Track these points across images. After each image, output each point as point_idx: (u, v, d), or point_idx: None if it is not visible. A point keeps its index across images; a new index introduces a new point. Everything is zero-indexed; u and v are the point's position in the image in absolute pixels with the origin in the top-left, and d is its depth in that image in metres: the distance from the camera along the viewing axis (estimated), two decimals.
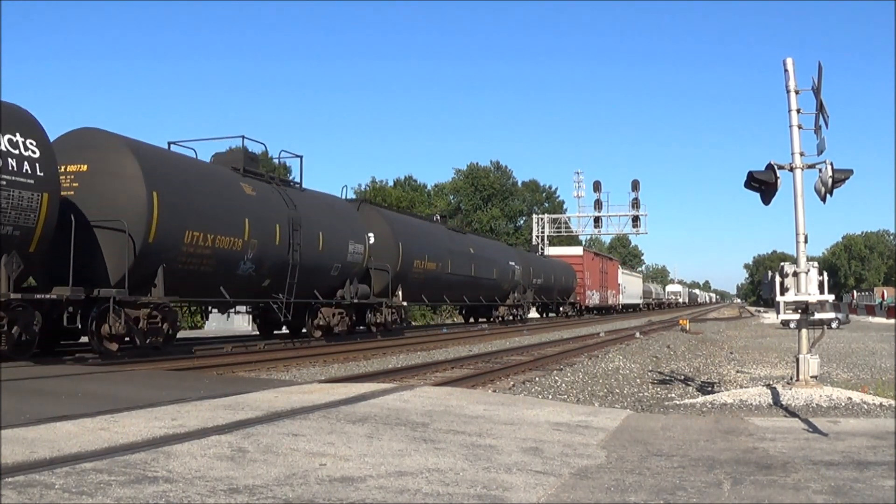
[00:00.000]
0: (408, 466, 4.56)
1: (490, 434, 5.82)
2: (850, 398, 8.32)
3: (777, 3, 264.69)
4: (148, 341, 12.73)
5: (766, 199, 9.16)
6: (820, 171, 8.85)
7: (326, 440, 5.30)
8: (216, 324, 25.79)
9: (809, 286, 8.79)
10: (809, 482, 4.40)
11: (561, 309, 45.98)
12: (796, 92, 9.15)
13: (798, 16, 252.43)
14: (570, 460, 4.94)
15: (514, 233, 69.09)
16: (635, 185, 54.09)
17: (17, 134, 10.72)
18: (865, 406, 8.05)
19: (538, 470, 4.61)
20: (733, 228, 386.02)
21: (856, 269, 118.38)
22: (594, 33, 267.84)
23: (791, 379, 9.12)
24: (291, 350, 15.74)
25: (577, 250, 50.84)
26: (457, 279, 26.83)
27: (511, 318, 33.54)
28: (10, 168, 10.51)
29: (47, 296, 11.27)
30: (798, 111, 9.08)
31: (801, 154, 9.01)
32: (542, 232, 56.89)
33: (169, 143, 15.64)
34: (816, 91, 8.86)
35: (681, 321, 34.79)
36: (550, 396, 9.93)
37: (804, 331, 8.95)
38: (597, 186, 54.23)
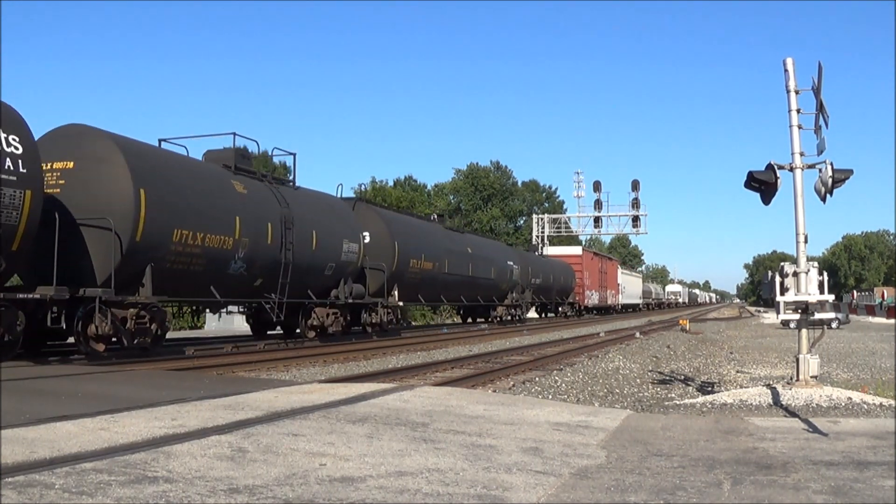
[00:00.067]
0: (408, 466, 4.55)
1: (490, 434, 5.82)
2: (850, 398, 8.32)
3: (777, 3, 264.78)
4: (135, 342, 12.51)
5: (766, 199, 9.16)
6: (820, 171, 8.85)
7: (326, 440, 5.30)
8: (216, 324, 25.73)
9: (809, 286, 8.79)
10: (809, 482, 4.40)
11: (560, 309, 45.87)
12: (796, 92, 9.15)
13: (798, 16, 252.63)
14: (570, 460, 4.94)
15: (514, 233, 69.05)
16: (635, 185, 54.15)
17: (0, 130, 10.53)
18: (865, 406, 8.05)
19: (538, 470, 4.61)
20: (733, 228, 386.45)
21: (856, 269, 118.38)
22: (594, 33, 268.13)
23: (791, 379, 9.12)
24: (291, 350, 15.70)
25: (577, 250, 50.80)
26: (454, 279, 26.66)
27: (509, 318, 33.34)
28: None
29: (30, 295, 11.06)
30: (798, 111, 9.08)
31: (801, 154, 9.01)
32: (542, 232, 56.89)
33: (159, 141, 15.36)
34: (816, 91, 8.86)
35: (681, 321, 34.79)
36: (550, 396, 9.93)
37: (804, 331, 8.95)
38: (597, 186, 54.26)
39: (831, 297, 9.08)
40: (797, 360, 9.01)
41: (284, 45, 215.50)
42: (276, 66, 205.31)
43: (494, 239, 43.37)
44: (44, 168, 11.86)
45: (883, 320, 42.68)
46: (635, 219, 54.03)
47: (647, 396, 10.26)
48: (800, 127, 9.06)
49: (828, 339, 18.21)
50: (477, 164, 72.67)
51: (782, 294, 8.89)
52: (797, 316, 8.90)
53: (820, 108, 8.85)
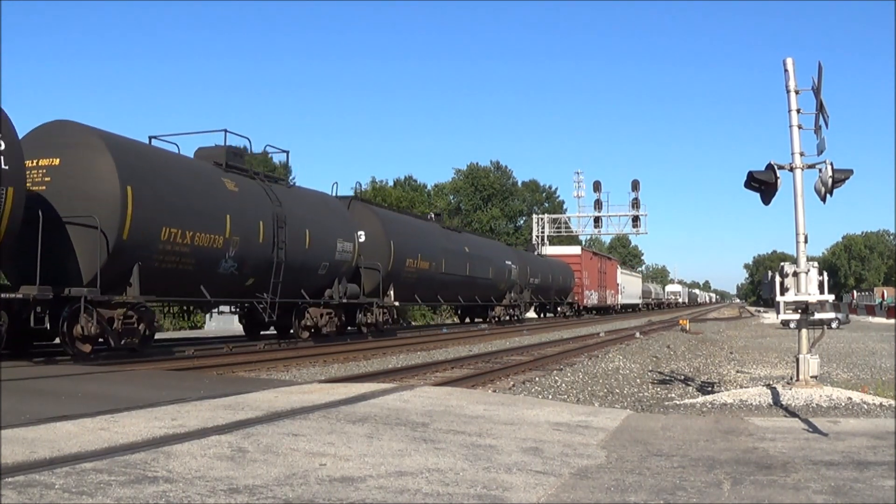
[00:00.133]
0: (408, 466, 4.55)
1: (490, 434, 5.82)
2: (850, 398, 8.32)
3: (777, 3, 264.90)
4: (123, 342, 12.27)
5: (766, 199, 9.16)
6: (820, 171, 8.85)
7: (326, 440, 5.30)
8: (216, 324, 25.69)
9: (809, 286, 8.79)
10: (809, 482, 4.40)
11: (559, 309, 45.79)
12: (796, 92, 9.15)
13: (798, 16, 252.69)
14: (570, 460, 4.94)
15: (514, 233, 69.10)
16: (635, 185, 54.24)
17: None
18: (865, 406, 8.05)
19: (538, 470, 4.61)
20: (733, 228, 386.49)
21: (856, 269, 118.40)
22: (594, 33, 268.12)
23: (791, 379, 9.12)
24: (291, 350, 15.68)
25: (576, 249, 50.76)
26: (451, 279, 26.43)
27: (507, 318, 33.16)
28: None
29: (13, 295, 10.80)
30: (798, 111, 9.08)
31: (801, 154, 9.01)
32: (542, 232, 56.93)
33: (150, 138, 15.11)
34: (816, 91, 8.87)
35: (681, 321, 34.79)
36: (550, 396, 9.93)
37: (804, 331, 8.95)
38: (597, 186, 54.33)
39: (831, 297, 9.08)
40: (797, 360, 9.01)
41: (284, 44, 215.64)
42: (276, 65, 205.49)
43: (492, 238, 43.28)
44: (30, 165, 11.68)
45: (883, 320, 42.69)
46: (635, 219, 54.10)
47: (647, 396, 10.26)
48: (800, 127, 9.06)
49: (828, 339, 18.21)
50: (477, 164, 72.81)
51: (782, 294, 8.89)
52: (797, 316, 8.90)
53: (820, 108, 8.85)
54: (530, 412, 7.10)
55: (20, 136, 11.18)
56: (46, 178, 12.07)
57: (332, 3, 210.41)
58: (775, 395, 8.61)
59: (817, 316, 8.82)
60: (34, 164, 11.94)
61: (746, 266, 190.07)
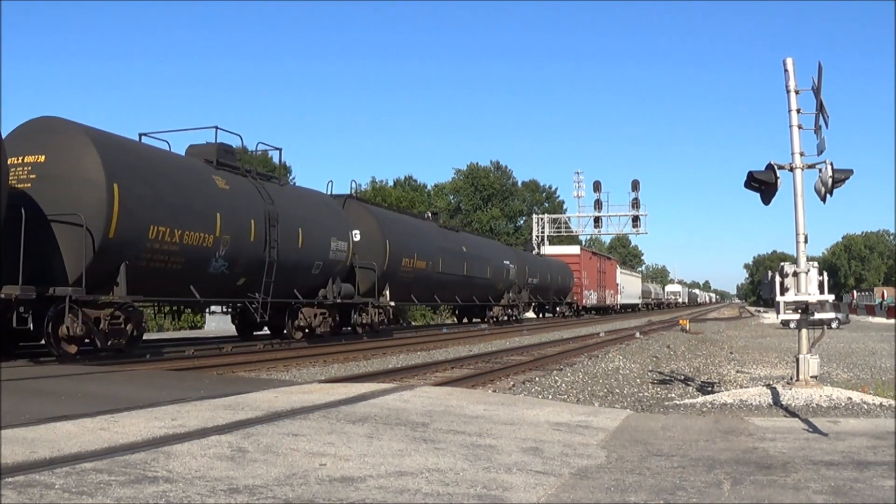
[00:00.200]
0: (408, 466, 4.55)
1: (490, 434, 5.82)
2: (850, 398, 8.32)
3: (777, 3, 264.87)
4: (109, 343, 12.06)
5: (766, 199, 9.16)
6: (820, 171, 8.85)
7: (326, 440, 5.30)
8: (216, 324, 25.65)
9: (809, 286, 8.79)
10: (809, 482, 4.40)
11: (557, 309, 45.70)
12: (796, 92, 9.15)
13: (798, 16, 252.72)
14: (570, 460, 4.94)
15: (514, 233, 69.10)
16: (635, 185, 54.22)
17: None
18: (865, 406, 8.05)
19: (538, 470, 4.61)
20: (733, 228, 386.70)
21: (856, 269, 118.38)
22: (594, 33, 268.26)
23: (791, 379, 9.12)
24: (291, 350, 15.67)
25: (575, 249, 50.68)
26: (448, 278, 26.21)
27: (505, 318, 32.98)
28: None
29: None
30: (798, 111, 9.08)
31: (801, 154, 9.01)
32: (542, 232, 56.93)
33: (140, 135, 14.83)
34: (816, 91, 8.86)
35: (681, 321, 34.78)
36: (550, 396, 9.93)
37: (804, 331, 8.95)
38: (597, 186, 54.31)
39: (831, 297, 9.08)
40: (797, 360, 9.01)
41: (285, 45, 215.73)
42: (276, 65, 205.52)
43: (490, 238, 43.21)
44: (15, 162, 11.55)
45: (883, 320, 42.70)
46: (635, 219, 54.09)
47: (647, 396, 10.26)
48: (800, 127, 9.06)
49: (828, 339, 18.21)
50: (477, 164, 72.79)
51: (782, 294, 8.89)
52: (797, 316, 8.90)
53: (820, 108, 8.85)
54: (530, 412, 7.10)
55: (6, 133, 10.95)
56: (32, 176, 11.84)
57: (332, 3, 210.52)
58: (775, 395, 8.61)
59: (817, 316, 8.82)
60: (19, 161, 11.73)
61: (746, 266, 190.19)
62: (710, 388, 10.94)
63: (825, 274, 8.95)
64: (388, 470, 4.44)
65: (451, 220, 55.05)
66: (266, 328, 18.61)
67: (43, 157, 11.92)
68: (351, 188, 23.19)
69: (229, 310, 18.17)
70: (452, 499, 3.85)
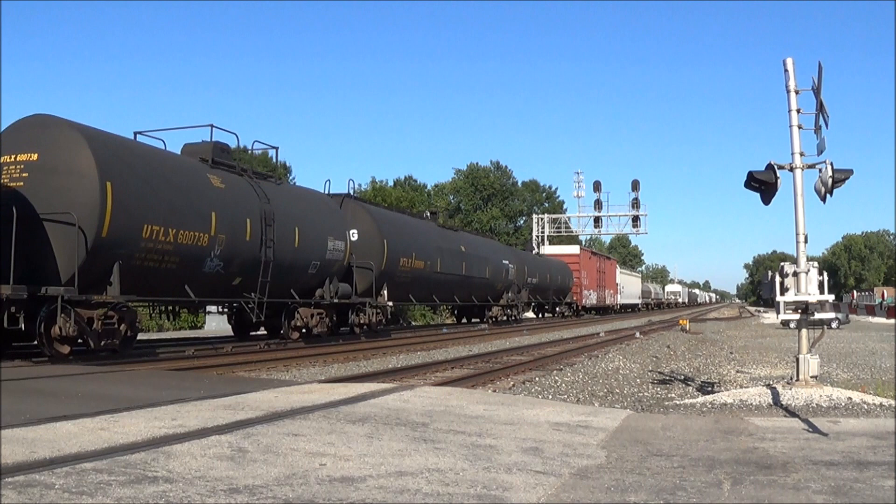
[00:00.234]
0: (408, 466, 4.55)
1: (490, 434, 5.82)
2: (850, 398, 8.32)
3: (777, 3, 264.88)
4: (103, 343, 11.95)
5: (766, 199, 9.16)
6: (820, 171, 8.85)
7: (326, 440, 5.29)
8: (216, 324, 25.64)
9: (809, 286, 8.80)
10: (809, 482, 4.40)
11: (557, 309, 45.65)
12: (796, 92, 9.15)
13: (798, 16, 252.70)
14: (570, 460, 4.94)
15: (514, 233, 69.10)
16: (635, 185, 54.28)
17: None
18: (865, 406, 8.05)
19: (538, 470, 4.60)
20: (733, 228, 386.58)
21: (856, 269, 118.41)
22: (594, 33, 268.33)
23: (791, 379, 9.12)
24: (291, 350, 15.66)
25: (574, 249, 50.63)
26: (447, 278, 26.11)
27: (505, 318, 32.90)
28: None
29: None
30: (798, 111, 9.08)
31: (801, 154, 9.01)
32: (542, 232, 56.94)
33: (135, 133, 14.76)
34: (816, 91, 8.87)
35: (681, 321, 34.78)
36: (550, 396, 9.93)
37: (804, 331, 8.95)
38: (597, 186, 54.36)
39: (831, 297, 9.08)
40: (797, 360, 9.01)
41: (285, 45, 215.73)
42: (276, 66, 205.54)
43: (489, 237, 43.16)
44: (7, 161, 11.49)
45: (883, 320, 42.71)
46: (635, 219, 54.13)
47: (647, 396, 10.26)
48: (800, 127, 9.06)
49: (828, 339, 18.21)
50: (477, 164, 72.82)
51: (782, 294, 8.89)
52: (797, 316, 8.90)
53: (820, 108, 8.85)
54: (530, 412, 7.10)
55: None
56: (24, 174, 11.73)
57: (332, 3, 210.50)
58: (775, 395, 8.61)
59: (817, 316, 8.82)
60: (12, 159, 11.67)
61: (746, 266, 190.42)
62: (710, 388, 10.94)
63: (825, 274, 8.95)
64: (388, 470, 4.44)
65: (451, 220, 55.03)
66: (262, 328, 18.50)
67: (36, 155, 11.81)
68: (348, 187, 23.20)
69: (225, 310, 18.08)
70: (452, 499, 3.85)
